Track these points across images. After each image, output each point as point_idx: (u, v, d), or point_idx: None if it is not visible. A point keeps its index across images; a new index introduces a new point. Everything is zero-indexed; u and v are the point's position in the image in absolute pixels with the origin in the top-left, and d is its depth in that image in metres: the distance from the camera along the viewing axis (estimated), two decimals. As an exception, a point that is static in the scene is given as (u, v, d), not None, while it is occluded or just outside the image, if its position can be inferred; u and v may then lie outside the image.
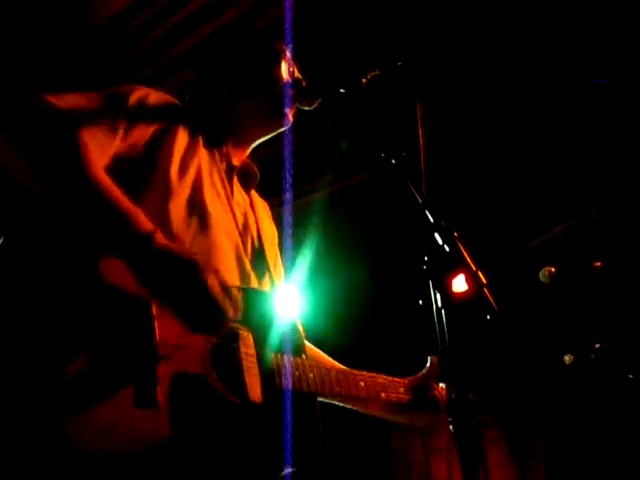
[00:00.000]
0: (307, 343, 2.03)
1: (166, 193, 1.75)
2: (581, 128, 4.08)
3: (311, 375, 1.80)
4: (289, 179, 2.44)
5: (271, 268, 2.02)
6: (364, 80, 1.84)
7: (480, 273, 1.39)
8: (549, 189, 4.19)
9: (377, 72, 1.85)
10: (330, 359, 2.14)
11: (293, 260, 2.26)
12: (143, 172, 1.75)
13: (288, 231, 2.30)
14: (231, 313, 1.63)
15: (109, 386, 1.40)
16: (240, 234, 1.93)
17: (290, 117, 2.04)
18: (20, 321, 1.41)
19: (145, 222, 1.58)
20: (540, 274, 2.71)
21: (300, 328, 1.90)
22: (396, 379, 2.14)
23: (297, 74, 2.08)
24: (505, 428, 2.19)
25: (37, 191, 1.57)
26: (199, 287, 1.58)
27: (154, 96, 1.86)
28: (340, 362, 2.13)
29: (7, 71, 3.66)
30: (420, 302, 1.41)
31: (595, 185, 4.01)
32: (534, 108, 4.10)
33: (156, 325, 1.48)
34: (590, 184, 4.03)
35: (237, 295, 1.66)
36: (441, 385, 2.17)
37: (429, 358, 2.17)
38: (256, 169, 2.13)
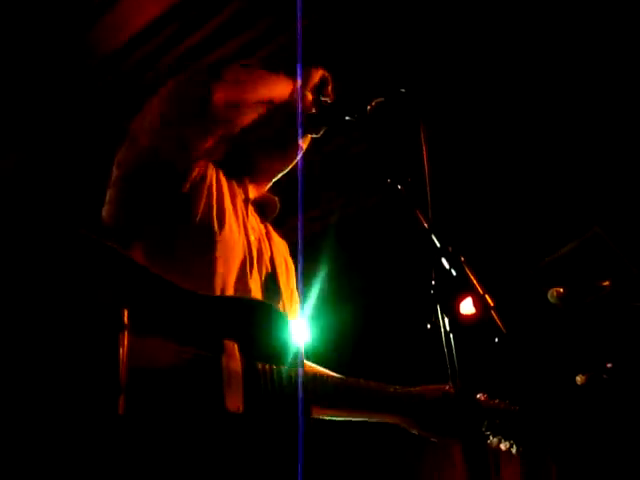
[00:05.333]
0: (308, 363, 2.02)
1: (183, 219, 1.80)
2: (586, 146, 4.10)
3: (305, 381, 1.74)
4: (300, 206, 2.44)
5: (285, 298, 2.00)
6: (369, 107, 1.86)
7: (487, 296, 1.40)
8: (555, 208, 4.20)
9: (381, 99, 1.88)
10: (334, 374, 2.10)
11: (301, 287, 2.24)
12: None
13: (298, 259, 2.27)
14: None
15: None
16: (250, 255, 1.91)
17: (302, 146, 2.05)
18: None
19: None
20: (549, 295, 2.71)
21: (299, 346, 1.84)
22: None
23: (307, 100, 2.08)
24: (520, 448, 2.17)
25: None
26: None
27: None
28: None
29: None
30: (428, 326, 1.42)
31: (601, 202, 4.02)
32: (538, 127, 4.12)
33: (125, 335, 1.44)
34: (596, 201, 4.04)
35: None
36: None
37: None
38: (277, 202, 2.14)
